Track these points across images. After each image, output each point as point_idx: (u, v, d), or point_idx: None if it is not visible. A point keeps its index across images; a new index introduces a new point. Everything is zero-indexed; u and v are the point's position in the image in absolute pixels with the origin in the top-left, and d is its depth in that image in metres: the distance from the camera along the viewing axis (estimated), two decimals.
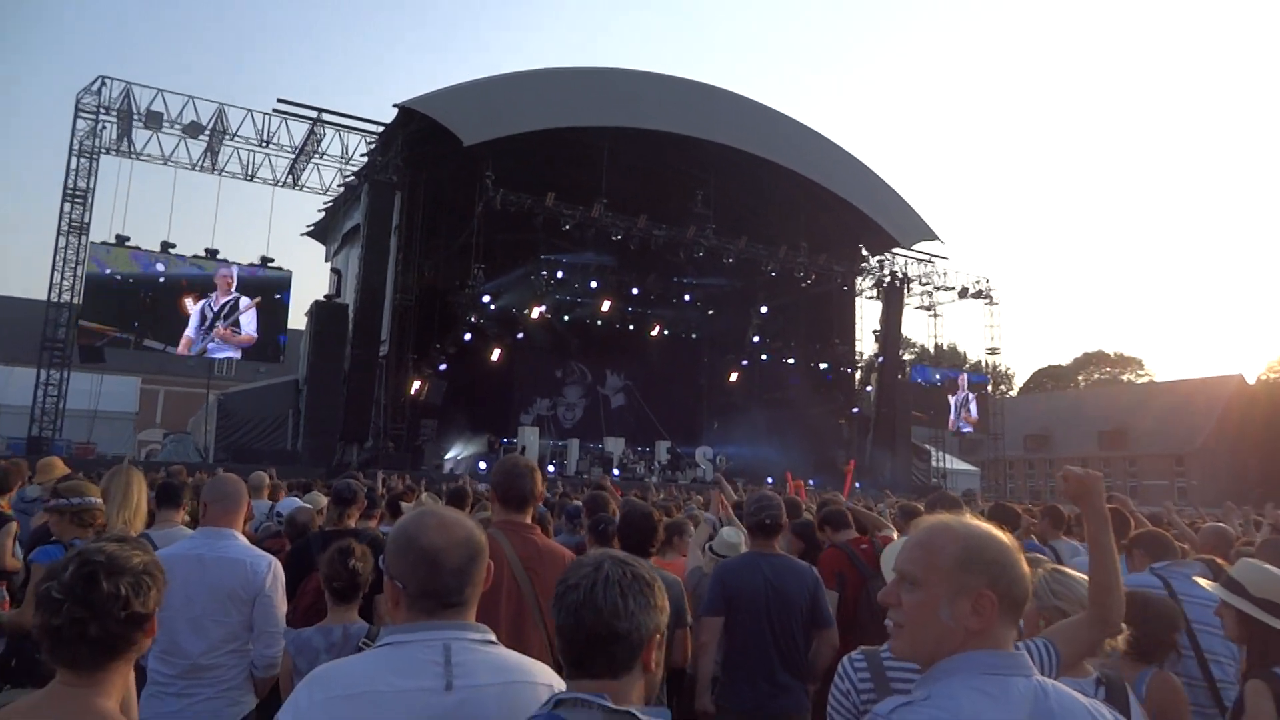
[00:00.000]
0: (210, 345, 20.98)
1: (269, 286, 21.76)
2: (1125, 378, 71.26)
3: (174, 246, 20.76)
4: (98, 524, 3.50)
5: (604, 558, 1.57)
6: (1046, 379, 75.67)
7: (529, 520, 3.23)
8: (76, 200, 20.25)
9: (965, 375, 33.98)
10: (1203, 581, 3.02)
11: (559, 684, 1.62)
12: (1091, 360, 75.33)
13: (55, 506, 3.43)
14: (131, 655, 1.63)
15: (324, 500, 6.55)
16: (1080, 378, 74.26)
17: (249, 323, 21.24)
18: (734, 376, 32.99)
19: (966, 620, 1.44)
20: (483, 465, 24.04)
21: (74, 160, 20.26)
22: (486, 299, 23.98)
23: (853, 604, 4.43)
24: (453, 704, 1.50)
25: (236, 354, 21.93)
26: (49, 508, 3.48)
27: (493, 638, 1.66)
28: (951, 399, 32.54)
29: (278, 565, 3.32)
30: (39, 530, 4.23)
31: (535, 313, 27.55)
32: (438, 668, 1.52)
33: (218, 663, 3.14)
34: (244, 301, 21.17)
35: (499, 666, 1.60)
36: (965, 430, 33.79)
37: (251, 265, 21.65)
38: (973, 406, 32.89)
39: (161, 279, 20.37)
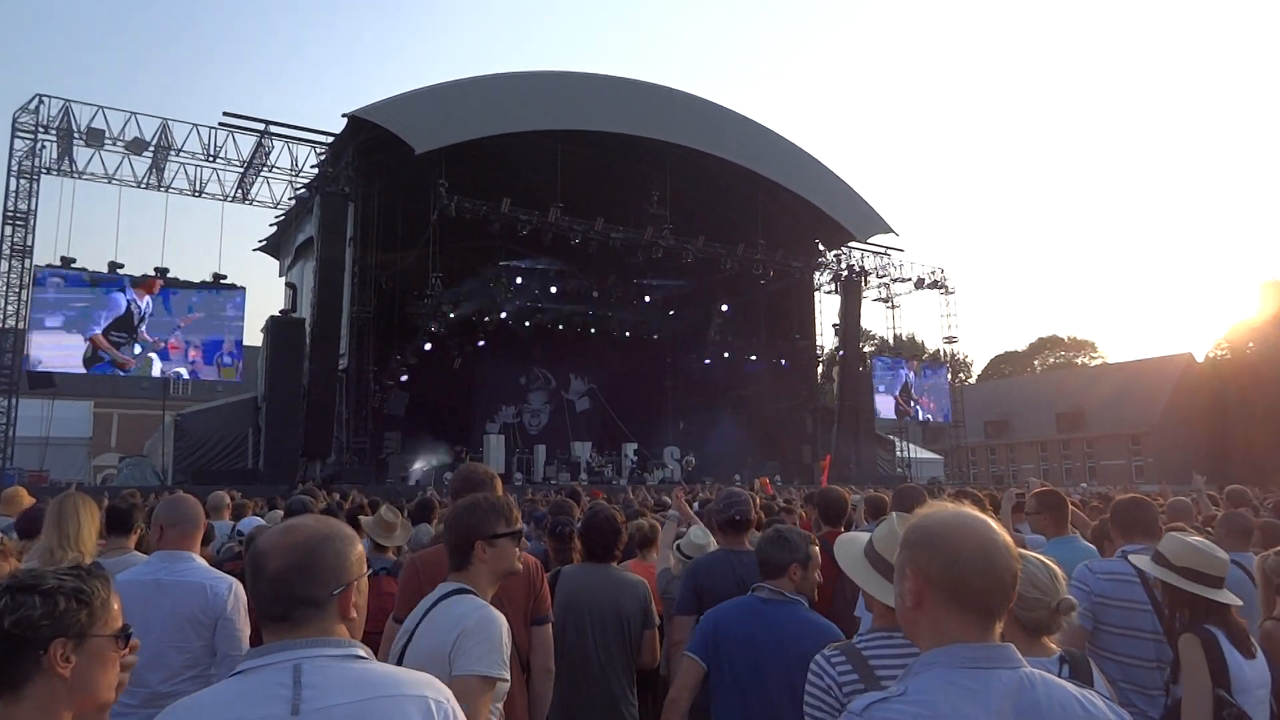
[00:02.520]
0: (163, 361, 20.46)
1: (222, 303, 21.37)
2: (1080, 360, 72.68)
3: (122, 266, 20.28)
4: (12, 554, 3.36)
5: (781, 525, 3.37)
6: (1004, 365, 76.95)
7: None
8: (18, 223, 19.71)
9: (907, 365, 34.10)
10: (1138, 560, 3.14)
11: (440, 695, 1.53)
12: (1046, 345, 76.76)
13: None
14: (34, 693, 1.45)
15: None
16: (1036, 362, 75.62)
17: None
18: (697, 376, 33.11)
19: (904, 599, 1.47)
20: (448, 476, 23.82)
21: (13, 181, 19.73)
22: (446, 308, 23.77)
23: (827, 596, 4.43)
24: None
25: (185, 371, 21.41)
26: None
27: (361, 652, 1.53)
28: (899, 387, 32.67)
29: (239, 587, 3.23)
30: None
31: (496, 320, 27.38)
32: (285, 691, 1.42)
33: (178, 690, 3.01)
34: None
35: (358, 683, 1.46)
36: (924, 419, 34.08)
37: (204, 283, 21.24)
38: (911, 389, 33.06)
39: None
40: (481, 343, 28.73)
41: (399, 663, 2.30)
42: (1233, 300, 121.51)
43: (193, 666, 3.09)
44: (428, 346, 24.71)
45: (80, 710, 1.52)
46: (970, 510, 1.53)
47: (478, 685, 2.16)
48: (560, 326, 29.78)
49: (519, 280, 26.18)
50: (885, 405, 31.71)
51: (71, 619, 1.49)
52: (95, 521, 3.80)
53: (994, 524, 1.49)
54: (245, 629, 3.20)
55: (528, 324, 29.18)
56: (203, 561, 3.25)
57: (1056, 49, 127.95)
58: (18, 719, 1.44)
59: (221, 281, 21.42)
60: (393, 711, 1.45)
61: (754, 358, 30.77)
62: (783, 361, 30.20)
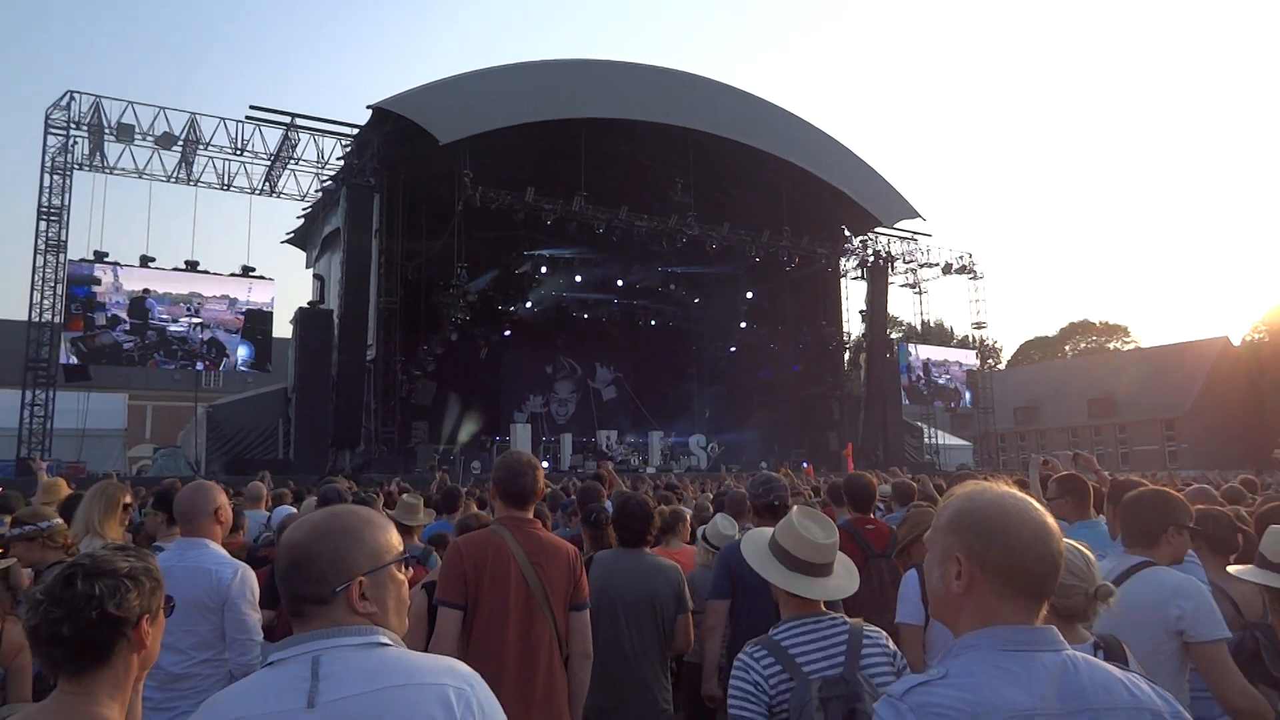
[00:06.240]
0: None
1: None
2: (1112, 345, 71.63)
3: (154, 260, 20.58)
4: (69, 545, 3.46)
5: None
6: (1034, 350, 75.97)
7: (530, 515, 3.24)
8: (52, 218, 20.01)
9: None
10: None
11: (461, 682, 1.46)
12: (1077, 330, 75.67)
13: (24, 534, 3.38)
14: (118, 663, 1.61)
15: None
16: (1067, 348, 74.57)
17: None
18: (723, 364, 33.05)
19: (951, 584, 1.43)
20: (475, 465, 24.01)
21: (47, 177, 20.01)
22: (471, 298, 23.89)
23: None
24: None
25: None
26: (16, 537, 3.42)
27: (383, 639, 1.48)
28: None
29: (246, 570, 3.27)
30: None
31: (521, 309, 27.46)
32: (304, 684, 1.40)
33: (193, 672, 3.12)
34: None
35: (376, 672, 1.43)
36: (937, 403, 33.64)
37: (233, 275, 21.49)
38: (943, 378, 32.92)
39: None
40: (507, 332, 28.84)
41: None
42: (1271, 282, 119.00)
43: (204, 649, 3.15)
44: (454, 336, 24.83)
45: (143, 671, 1.70)
46: (1013, 490, 1.49)
47: (1223, 647, 2.59)
48: (585, 316, 29.82)
49: (544, 270, 26.22)
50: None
51: (154, 596, 1.68)
52: (118, 509, 3.95)
53: (1039, 505, 1.46)
54: (253, 613, 3.25)
55: (553, 314, 29.24)
56: (217, 547, 3.29)
57: (1085, 30, 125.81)
58: (102, 682, 1.61)
59: (250, 274, 21.66)
60: (408, 700, 1.41)
61: (780, 345, 30.64)
62: (809, 348, 30.03)
